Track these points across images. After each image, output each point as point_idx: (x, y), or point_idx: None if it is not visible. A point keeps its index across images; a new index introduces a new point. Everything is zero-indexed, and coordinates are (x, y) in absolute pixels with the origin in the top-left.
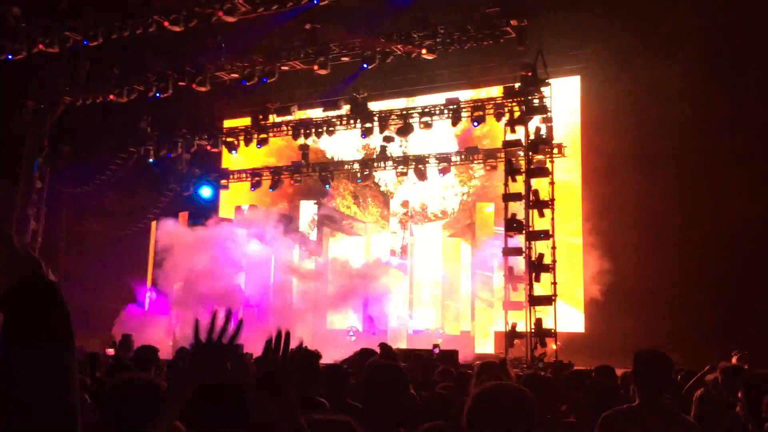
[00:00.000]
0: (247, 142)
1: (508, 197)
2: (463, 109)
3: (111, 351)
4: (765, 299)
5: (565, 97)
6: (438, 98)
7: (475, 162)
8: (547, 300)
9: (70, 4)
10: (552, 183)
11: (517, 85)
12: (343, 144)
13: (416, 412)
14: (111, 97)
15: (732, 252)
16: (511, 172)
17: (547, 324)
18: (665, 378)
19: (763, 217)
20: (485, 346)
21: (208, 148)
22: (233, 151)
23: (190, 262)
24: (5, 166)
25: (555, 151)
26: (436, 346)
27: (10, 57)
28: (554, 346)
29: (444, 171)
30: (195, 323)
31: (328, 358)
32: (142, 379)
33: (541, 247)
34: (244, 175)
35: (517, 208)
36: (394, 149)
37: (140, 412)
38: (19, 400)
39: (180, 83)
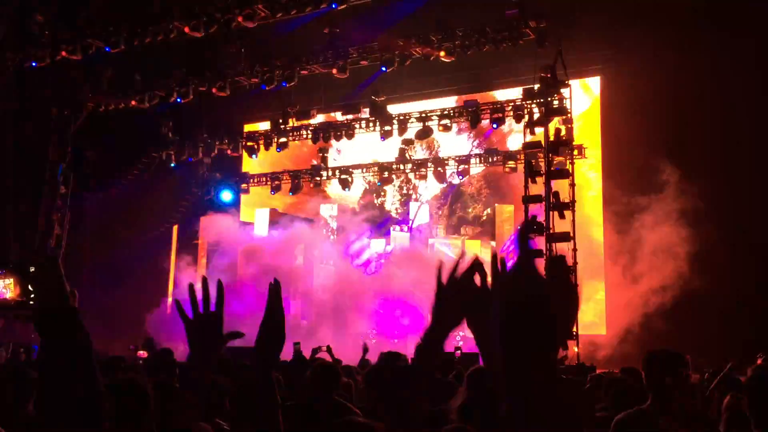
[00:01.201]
0: (267, 146)
1: (528, 199)
2: (482, 111)
3: (143, 353)
4: None
5: (585, 98)
6: (457, 101)
7: (495, 163)
8: None
9: (92, 12)
10: (572, 184)
11: (536, 86)
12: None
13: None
14: (133, 102)
15: (761, 255)
16: (531, 174)
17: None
18: (676, 378)
19: None
20: None
21: (229, 152)
22: (253, 155)
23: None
24: (30, 173)
25: (575, 152)
26: (457, 348)
27: (34, 64)
28: (576, 349)
29: (463, 173)
30: (177, 304)
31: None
32: (125, 381)
33: (561, 249)
34: (264, 178)
35: (537, 210)
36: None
37: (125, 415)
38: (50, 410)
39: (200, 88)
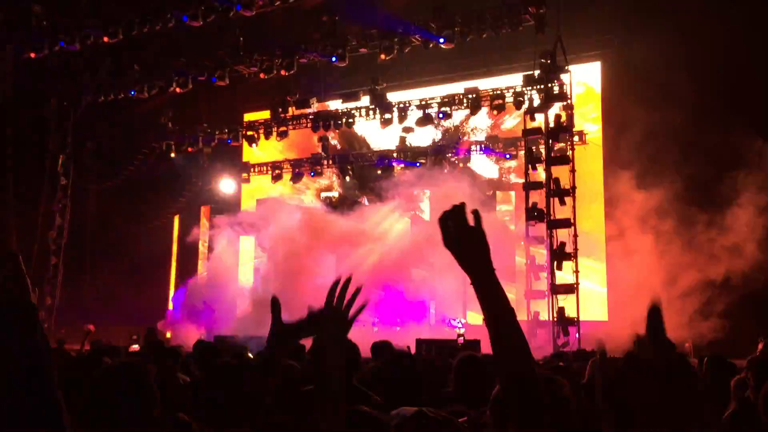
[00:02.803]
0: (267, 135)
1: (529, 186)
2: (483, 98)
3: (136, 347)
4: None
5: (585, 83)
6: (457, 87)
7: (496, 151)
8: (570, 288)
9: (90, 2)
10: (573, 171)
11: (536, 72)
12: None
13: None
14: (132, 93)
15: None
16: (532, 160)
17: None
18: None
19: None
20: None
21: (229, 142)
22: (253, 145)
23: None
24: (30, 164)
25: (576, 138)
26: (460, 335)
27: (33, 55)
28: (577, 335)
29: (464, 161)
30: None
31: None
32: (123, 365)
33: (562, 235)
34: (264, 168)
35: (538, 197)
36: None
37: (121, 402)
38: (6, 410)
39: (200, 78)
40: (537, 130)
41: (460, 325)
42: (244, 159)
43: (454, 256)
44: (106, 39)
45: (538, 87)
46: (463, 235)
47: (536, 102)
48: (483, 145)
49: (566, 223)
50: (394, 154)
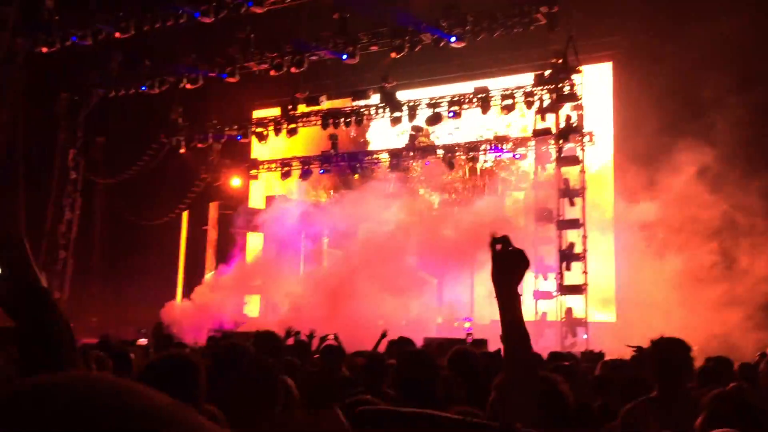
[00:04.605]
0: (277, 132)
1: (539, 186)
2: (493, 98)
3: (143, 341)
4: None
5: (597, 84)
6: (467, 86)
7: (505, 152)
8: (578, 289)
9: None
10: (582, 171)
11: (547, 72)
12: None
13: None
14: (143, 88)
15: None
16: (542, 160)
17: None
18: (683, 367)
19: None
20: None
21: (238, 138)
22: (263, 141)
23: None
24: (40, 158)
25: (586, 139)
26: (469, 335)
27: (44, 50)
28: (585, 336)
29: (473, 161)
30: None
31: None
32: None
33: (571, 236)
34: (273, 165)
35: (548, 197)
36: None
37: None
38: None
39: (210, 74)
40: (547, 131)
41: (468, 324)
42: (253, 156)
43: (493, 275)
44: (117, 34)
45: (549, 87)
46: (506, 259)
47: (547, 102)
48: (493, 144)
49: (575, 224)
50: (404, 153)
